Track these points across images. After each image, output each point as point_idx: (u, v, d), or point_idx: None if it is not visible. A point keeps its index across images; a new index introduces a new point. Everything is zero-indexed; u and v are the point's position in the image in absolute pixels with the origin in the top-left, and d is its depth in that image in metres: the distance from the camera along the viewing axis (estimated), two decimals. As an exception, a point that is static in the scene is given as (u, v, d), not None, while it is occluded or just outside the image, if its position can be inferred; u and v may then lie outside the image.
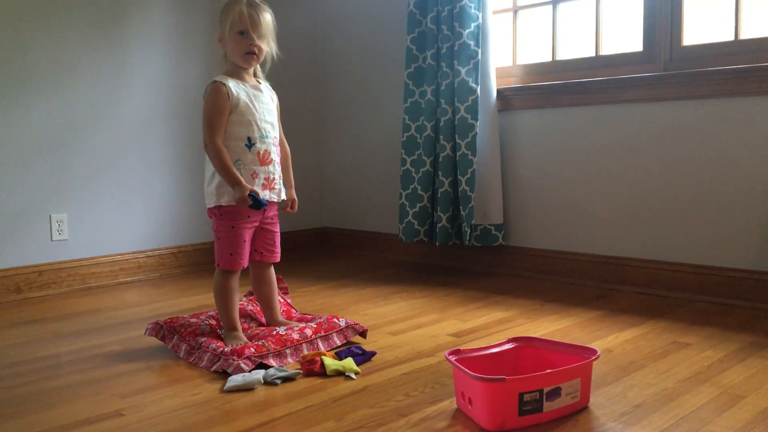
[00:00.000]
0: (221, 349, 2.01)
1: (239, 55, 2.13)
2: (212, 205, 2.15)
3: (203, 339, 2.10)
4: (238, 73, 2.17)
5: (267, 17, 2.15)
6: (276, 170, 2.20)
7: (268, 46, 2.17)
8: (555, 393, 1.55)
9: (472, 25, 3.12)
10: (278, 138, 2.25)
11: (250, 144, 2.12)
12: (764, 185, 2.54)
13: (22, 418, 1.67)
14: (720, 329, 2.28)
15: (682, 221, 2.75)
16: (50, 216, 3.10)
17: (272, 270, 2.30)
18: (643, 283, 2.84)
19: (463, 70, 3.14)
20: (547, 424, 1.54)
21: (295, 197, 2.31)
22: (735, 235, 2.62)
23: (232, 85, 2.12)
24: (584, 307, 2.62)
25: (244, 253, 2.15)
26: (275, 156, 2.19)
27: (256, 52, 2.13)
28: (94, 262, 3.23)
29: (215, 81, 2.12)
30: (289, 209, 2.31)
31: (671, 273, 2.76)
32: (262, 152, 2.13)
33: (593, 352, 1.67)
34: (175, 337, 2.15)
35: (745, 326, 2.31)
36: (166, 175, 3.48)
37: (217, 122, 2.08)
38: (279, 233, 2.28)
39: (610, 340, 2.19)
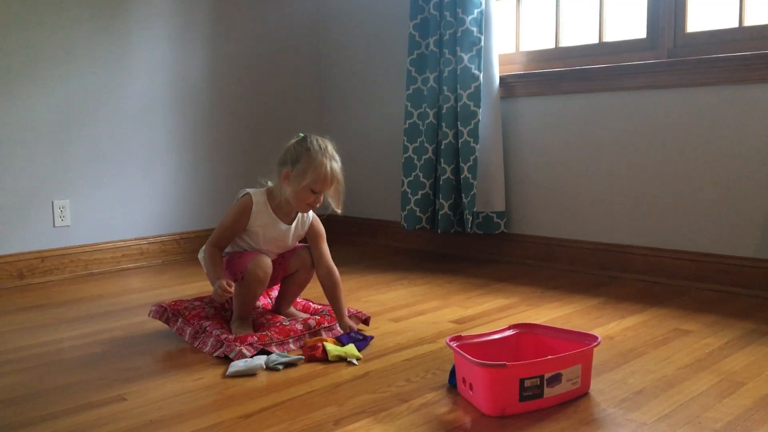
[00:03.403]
0: (225, 335, 2.01)
1: (300, 205, 2.08)
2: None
3: (208, 323, 2.10)
4: (279, 206, 2.11)
5: (340, 175, 2.08)
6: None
7: (339, 206, 2.14)
8: (556, 379, 1.56)
9: (475, 11, 3.10)
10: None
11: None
12: (766, 172, 2.53)
13: (24, 403, 1.68)
14: (721, 317, 2.28)
15: (684, 209, 2.74)
16: (53, 202, 3.10)
17: (311, 277, 2.25)
18: (644, 271, 2.84)
19: (465, 57, 3.13)
20: (548, 410, 1.55)
21: (351, 325, 2.11)
22: (737, 223, 2.61)
23: (260, 215, 2.10)
24: (585, 295, 2.62)
25: (254, 252, 2.15)
26: None
27: (317, 206, 2.11)
28: (97, 249, 3.23)
29: (249, 197, 2.10)
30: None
31: (672, 260, 2.76)
32: None
33: (594, 338, 1.67)
34: (180, 320, 2.16)
35: (745, 314, 2.31)
36: (169, 162, 3.48)
37: (224, 235, 2.10)
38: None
39: (611, 327, 2.19)
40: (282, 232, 2.15)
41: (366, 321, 2.23)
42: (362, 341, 2.02)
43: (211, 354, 1.98)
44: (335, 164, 2.05)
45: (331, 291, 2.14)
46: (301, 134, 2.10)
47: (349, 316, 2.21)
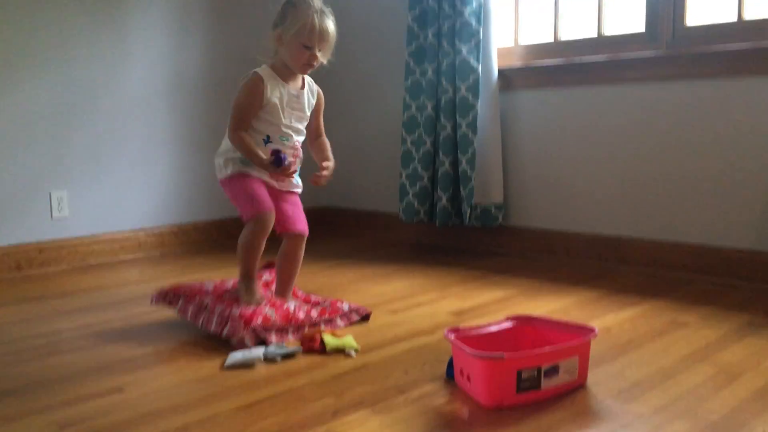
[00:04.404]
0: (228, 310, 2.02)
1: (296, 64, 2.10)
2: (223, 177, 2.19)
3: (208, 299, 2.11)
4: (284, 73, 2.14)
5: (333, 30, 2.10)
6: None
7: (325, 57, 2.14)
8: (553, 371, 1.56)
9: (474, 3, 3.09)
10: (302, 141, 2.25)
11: (266, 141, 2.14)
12: (765, 165, 2.54)
13: (22, 394, 1.68)
14: (718, 308, 2.29)
15: (682, 201, 2.75)
16: (50, 193, 3.10)
17: (301, 248, 2.26)
18: (642, 263, 2.84)
19: (464, 49, 3.12)
20: (545, 402, 1.55)
21: (330, 169, 2.22)
22: (735, 215, 2.62)
23: (271, 84, 2.11)
24: (583, 287, 2.62)
25: (264, 197, 2.13)
26: (290, 157, 2.16)
27: (315, 64, 2.12)
28: (95, 240, 3.23)
29: (256, 73, 2.10)
30: (318, 174, 2.20)
31: (670, 252, 2.77)
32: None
33: (591, 330, 1.68)
34: (181, 299, 2.16)
35: (743, 306, 2.31)
36: (167, 153, 3.47)
37: (244, 115, 2.09)
38: (301, 207, 2.28)
39: (608, 319, 2.20)
40: (296, 96, 2.17)
41: (366, 317, 2.23)
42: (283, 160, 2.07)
43: (217, 333, 1.98)
44: (324, 17, 2.05)
45: (320, 147, 2.27)
46: None
47: (350, 311, 2.21)
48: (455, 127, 3.21)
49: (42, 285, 2.84)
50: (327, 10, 2.09)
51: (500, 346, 1.72)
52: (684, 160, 2.73)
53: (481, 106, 3.16)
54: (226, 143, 2.20)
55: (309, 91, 2.23)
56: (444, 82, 3.22)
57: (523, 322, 1.82)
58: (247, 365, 1.82)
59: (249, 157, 2.09)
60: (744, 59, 2.53)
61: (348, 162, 3.98)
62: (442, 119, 3.23)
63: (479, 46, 3.12)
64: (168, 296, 2.21)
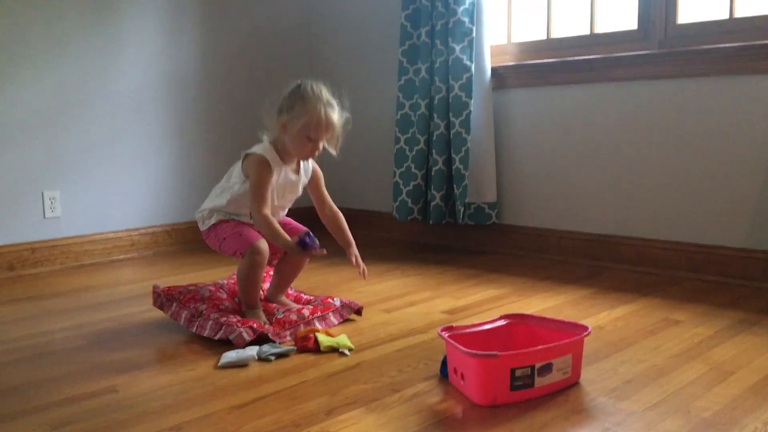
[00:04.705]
0: (224, 318, 2.02)
1: (299, 153, 2.10)
2: (206, 227, 2.20)
3: (203, 306, 2.10)
4: (284, 155, 2.13)
5: (338, 121, 2.08)
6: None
7: (332, 145, 2.13)
8: (546, 369, 1.57)
9: (467, 2, 3.10)
10: (284, 216, 2.25)
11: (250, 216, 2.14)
12: (757, 164, 2.55)
13: (16, 395, 1.67)
14: (711, 306, 2.29)
15: (674, 200, 2.76)
16: (43, 193, 3.09)
17: (305, 260, 2.27)
18: (635, 261, 2.85)
19: (457, 48, 3.13)
20: (539, 400, 1.56)
21: (357, 256, 2.18)
22: (727, 214, 2.63)
23: (277, 170, 2.10)
24: (576, 285, 2.63)
25: (252, 231, 2.13)
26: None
27: (317, 154, 2.11)
28: (87, 240, 3.22)
29: (263, 156, 2.08)
30: (360, 269, 2.16)
31: (663, 251, 2.78)
32: None
33: (584, 328, 1.68)
34: (174, 304, 2.15)
35: (735, 304, 2.32)
36: (160, 152, 3.46)
37: (264, 192, 2.06)
38: (293, 221, 2.30)
39: (601, 317, 2.20)
40: (293, 181, 2.17)
41: (359, 311, 2.24)
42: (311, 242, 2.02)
43: (211, 337, 1.98)
44: (330, 110, 2.04)
45: (337, 225, 2.23)
46: (298, 81, 2.10)
47: (342, 306, 2.22)
48: (449, 126, 3.22)
49: (35, 285, 2.83)
50: (333, 101, 2.08)
51: (494, 344, 1.73)
52: (676, 158, 2.74)
53: (474, 104, 3.16)
54: (213, 201, 2.20)
55: (304, 172, 2.22)
56: (437, 81, 3.22)
57: (517, 320, 1.83)
58: (240, 365, 1.81)
59: (273, 238, 2.05)
60: (736, 57, 2.54)
61: (341, 161, 3.96)
62: (436, 118, 3.24)
63: (472, 45, 3.12)
64: (160, 299, 2.19)
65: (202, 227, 2.23)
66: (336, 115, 2.06)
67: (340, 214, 2.26)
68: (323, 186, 2.27)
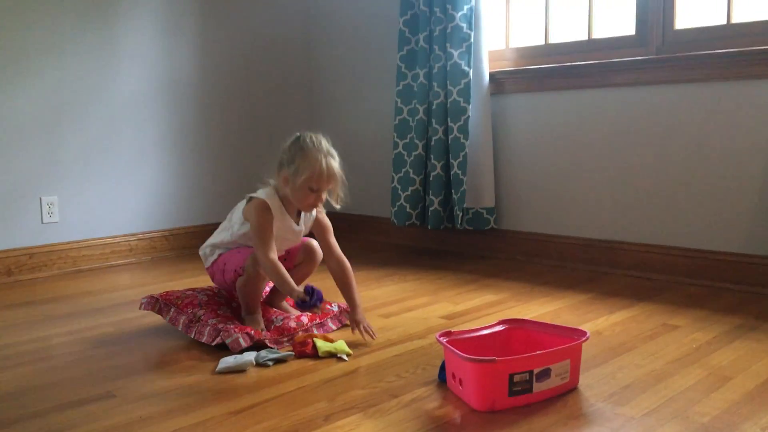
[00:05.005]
0: (222, 324, 2.02)
1: (302, 205, 2.06)
2: (210, 263, 2.21)
3: (202, 311, 2.10)
4: (287, 205, 2.09)
5: (339, 171, 2.03)
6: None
7: (335, 194, 2.08)
8: (545, 374, 1.57)
9: (465, 7, 3.10)
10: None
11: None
12: (754, 169, 2.55)
13: (13, 399, 1.67)
14: (709, 312, 2.29)
15: (672, 205, 2.76)
16: (41, 198, 3.08)
17: (317, 261, 2.26)
18: (633, 266, 2.85)
19: (455, 53, 3.13)
20: (537, 405, 1.56)
21: (363, 319, 2.09)
22: (725, 219, 2.63)
23: (276, 216, 2.05)
24: (575, 290, 2.63)
25: (250, 248, 2.12)
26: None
27: (320, 204, 2.07)
28: (85, 245, 3.22)
29: (265, 202, 2.04)
30: (366, 335, 2.06)
31: (661, 256, 2.78)
32: None
33: (583, 333, 1.68)
34: (172, 309, 2.15)
35: (733, 309, 2.32)
36: (158, 158, 3.46)
37: (268, 237, 2.01)
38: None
39: (600, 323, 2.20)
40: (295, 231, 2.13)
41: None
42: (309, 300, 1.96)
43: (209, 343, 1.98)
44: (331, 160, 2.01)
45: (342, 280, 2.15)
46: (297, 134, 2.08)
47: (340, 312, 2.21)
48: (447, 131, 3.22)
49: (32, 290, 2.82)
50: (333, 152, 2.05)
51: (492, 349, 1.73)
52: (674, 163, 2.74)
53: (472, 110, 3.17)
54: (215, 238, 2.21)
55: (304, 221, 2.17)
56: (435, 86, 3.22)
57: (515, 325, 1.82)
58: (238, 370, 1.81)
59: (280, 284, 2.00)
60: (733, 63, 2.55)
61: (340, 166, 3.98)
62: (434, 123, 3.24)
63: (470, 50, 3.12)
64: (158, 304, 2.19)
65: (206, 264, 2.24)
66: (337, 165, 2.03)
67: (349, 268, 2.17)
68: (331, 236, 2.19)
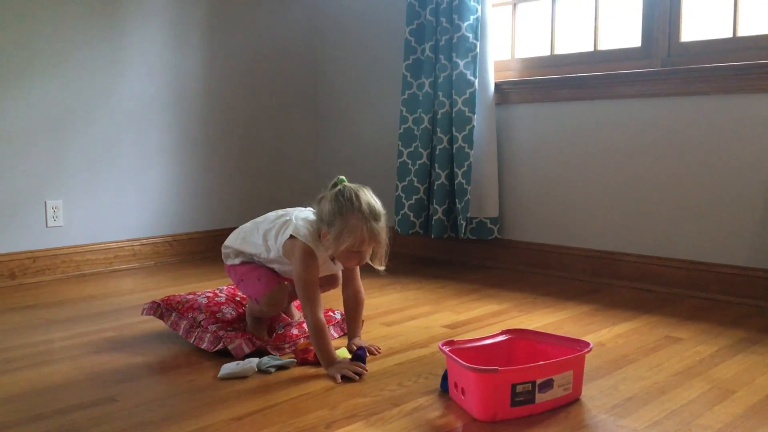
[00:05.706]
0: (222, 331, 2.02)
1: (342, 262, 1.95)
2: (230, 263, 2.17)
3: (202, 316, 2.10)
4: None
5: (382, 233, 1.87)
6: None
7: (378, 254, 1.93)
8: (547, 384, 1.56)
9: (471, 17, 3.11)
10: None
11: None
12: (759, 183, 2.55)
13: (15, 403, 1.67)
14: (712, 325, 2.29)
15: (676, 217, 2.76)
16: (45, 202, 3.09)
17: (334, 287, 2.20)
18: (636, 278, 2.85)
19: (461, 63, 3.14)
20: (539, 416, 1.55)
21: (363, 341, 2.06)
22: (729, 232, 2.63)
23: (320, 260, 1.95)
24: (578, 301, 2.62)
25: (273, 275, 2.07)
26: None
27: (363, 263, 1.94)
28: (89, 249, 3.22)
29: (311, 248, 1.91)
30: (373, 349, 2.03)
31: (665, 268, 2.77)
32: None
33: (586, 344, 1.68)
34: (174, 314, 2.15)
35: (736, 322, 2.32)
36: (162, 163, 3.47)
37: (315, 294, 1.90)
38: None
39: (602, 334, 2.20)
40: (332, 270, 2.07)
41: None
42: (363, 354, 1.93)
43: (210, 350, 1.98)
44: (373, 224, 1.83)
45: (353, 311, 2.09)
46: (340, 179, 1.93)
47: (342, 319, 2.21)
48: (451, 141, 3.22)
49: (36, 294, 2.83)
50: (378, 211, 1.87)
51: (495, 359, 1.73)
52: (678, 175, 2.74)
53: (477, 119, 3.17)
54: (241, 245, 2.11)
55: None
56: (441, 96, 3.23)
57: (518, 335, 1.82)
58: (240, 376, 1.81)
59: (319, 349, 1.87)
60: (739, 76, 2.55)
61: (344, 174, 3.98)
62: (439, 132, 3.24)
63: (476, 60, 3.13)
64: (159, 309, 2.19)
65: (226, 261, 2.19)
66: (380, 227, 1.85)
67: (363, 301, 2.09)
68: (357, 270, 2.08)
